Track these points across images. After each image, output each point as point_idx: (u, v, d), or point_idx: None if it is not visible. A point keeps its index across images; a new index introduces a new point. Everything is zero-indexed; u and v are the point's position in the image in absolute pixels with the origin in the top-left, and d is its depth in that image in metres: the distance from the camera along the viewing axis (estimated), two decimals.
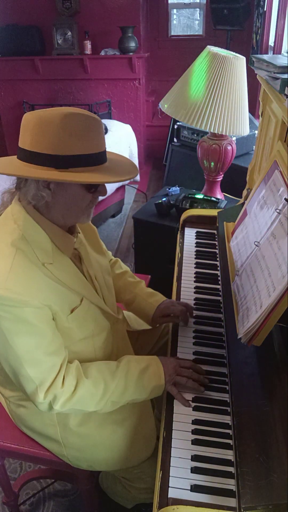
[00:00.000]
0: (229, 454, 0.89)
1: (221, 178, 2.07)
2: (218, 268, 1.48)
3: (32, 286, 0.90)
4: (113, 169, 0.93)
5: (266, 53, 3.38)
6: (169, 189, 2.27)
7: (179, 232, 1.72)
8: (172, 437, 0.93)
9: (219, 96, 1.67)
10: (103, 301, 1.10)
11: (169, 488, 0.82)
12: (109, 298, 1.15)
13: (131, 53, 4.12)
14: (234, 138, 2.05)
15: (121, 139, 3.41)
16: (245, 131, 1.76)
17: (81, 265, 1.07)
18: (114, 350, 1.13)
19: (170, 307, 1.25)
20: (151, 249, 2.20)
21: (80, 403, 0.98)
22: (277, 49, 3.06)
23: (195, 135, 2.70)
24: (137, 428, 1.13)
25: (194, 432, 0.94)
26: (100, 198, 0.99)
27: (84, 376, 0.98)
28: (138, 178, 3.64)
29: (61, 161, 0.86)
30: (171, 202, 2.08)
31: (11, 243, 0.91)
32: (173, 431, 0.94)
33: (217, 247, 1.60)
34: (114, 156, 0.99)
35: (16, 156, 0.93)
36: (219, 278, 1.43)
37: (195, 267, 1.50)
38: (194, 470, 0.86)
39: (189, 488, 0.82)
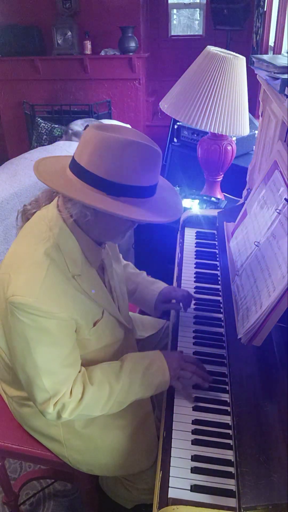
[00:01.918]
0: (229, 454, 0.89)
1: (221, 178, 2.07)
2: (218, 268, 1.48)
3: (62, 299, 0.91)
4: (160, 203, 0.92)
5: (266, 53, 3.37)
6: None
7: (179, 232, 1.72)
8: (172, 437, 0.93)
9: (219, 96, 1.67)
10: (119, 311, 1.10)
11: (169, 488, 0.82)
12: (124, 308, 1.16)
13: (131, 53, 4.12)
14: (234, 138, 2.05)
15: None
16: (245, 131, 1.76)
17: (103, 276, 1.08)
18: None
19: (171, 292, 1.27)
20: (151, 249, 2.20)
21: (87, 408, 0.98)
22: (277, 49, 3.06)
23: (195, 135, 2.70)
24: (139, 437, 1.13)
25: (194, 432, 0.94)
26: None
27: (89, 382, 0.99)
28: None
29: (114, 188, 0.85)
30: None
31: (45, 252, 0.91)
32: (173, 431, 0.94)
33: (217, 247, 1.60)
34: (161, 182, 0.96)
35: (68, 165, 0.91)
36: (219, 278, 1.43)
37: (195, 267, 1.50)
38: (194, 470, 0.86)
39: (189, 488, 0.82)
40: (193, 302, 1.33)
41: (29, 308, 0.87)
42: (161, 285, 1.32)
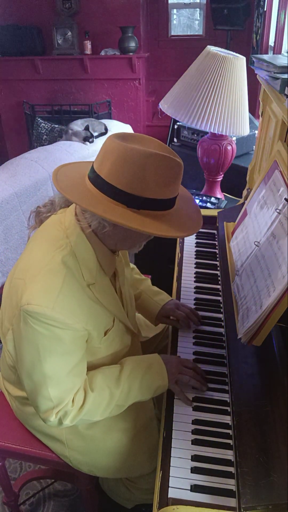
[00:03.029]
0: (229, 454, 0.89)
1: (221, 178, 2.07)
2: (218, 268, 1.48)
3: (78, 309, 0.91)
4: (179, 216, 0.90)
5: (266, 53, 3.38)
6: None
7: None
8: (172, 437, 0.93)
9: (219, 96, 1.67)
10: (127, 317, 1.10)
11: (169, 488, 0.82)
12: (131, 313, 1.16)
13: (131, 53, 4.12)
14: (234, 138, 2.05)
15: None
16: (245, 131, 1.76)
17: (115, 282, 1.07)
18: None
19: (174, 310, 1.25)
20: (151, 249, 2.19)
21: (87, 414, 0.99)
22: (277, 49, 3.06)
23: (195, 135, 2.70)
24: (142, 440, 1.13)
25: (194, 432, 0.94)
26: None
27: (90, 388, 0.99)
28: None
29: (135, 201, 0.84)
30: None
31: (62, 260, 0.90)
32: (173, 431, 0.94)
33: (217, 247, 1.60)
34: (181, 192, 0.95)
35: (87, 176, 0.90)
36: (219, 278, 1.43)
37: (195, 267, 1.50)
38: (194, 470, 0.86)
39: (189, 488, 0.82)
40: (193, 302, 1.33)
41: (45, 317, 0.86)
42: (164, 297, 1.30)
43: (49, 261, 0.90)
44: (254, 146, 2.02)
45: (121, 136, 0.87)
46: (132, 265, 1.38)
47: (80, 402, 0.96)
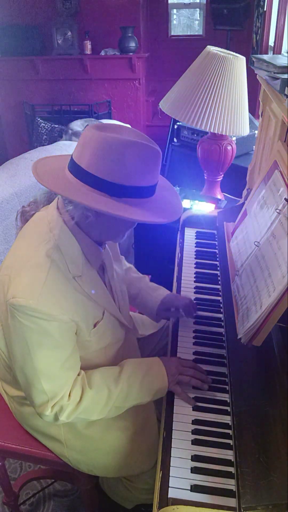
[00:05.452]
0: (229, 454, 0.89)
1: (221, 178, 2.07)
2: (218, 268, 1.48)
3: (63, 301, 0.91)
4: (160, 202, 0.92)
5: (266, 53, 3.37)
6: None
7: (179, 232, 1.72)
8: (172, 437, 0.93)
9: (219, 96, 1.67)
10: (119, 311, 1.10)
11: (169, 488, 0.82)
12: (124, 308, 1.16)
13: (131, 53, 4.12)
14: (234, 138, 2.05)
15: None
16: (245, 131, 1.76)
17: (104, 276, 1.08)
18: (124, 359, 1.13)
19: (174, 301, 1.26)
20: (151, 249, 2.20)
21: (85, 412, 0.98)
22: (277, 49, 3.06)
23: (195, 135, 2.70)
24: (141, 438, 1.13)
25: (194, 432, 0.94)
26: None
27: (88, 385, 0.98)
28: None
29: (117, 189, 0.85)
30: None
31: (46, 253, 0.91)
32: (173, 431, 0.94)
33: (217, 247, 1.60)
34: (161, 182, 0.96)
35: (67, 168, 0.90)
36: (219, 278, 1.43)
37: (195, 267, 1.50)
38: (194, 470, 0.86)
39: (189, 488, 0.82)
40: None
41: (30, 310, 0.86)
42: (163, 292, 1.31)
43: (33, 255, 0.91)
44: (254, 146, 2.02)
45: (99, 126, 0.87)
46: (128, 264, 1.38)
47: (77, 398, 0.96)
